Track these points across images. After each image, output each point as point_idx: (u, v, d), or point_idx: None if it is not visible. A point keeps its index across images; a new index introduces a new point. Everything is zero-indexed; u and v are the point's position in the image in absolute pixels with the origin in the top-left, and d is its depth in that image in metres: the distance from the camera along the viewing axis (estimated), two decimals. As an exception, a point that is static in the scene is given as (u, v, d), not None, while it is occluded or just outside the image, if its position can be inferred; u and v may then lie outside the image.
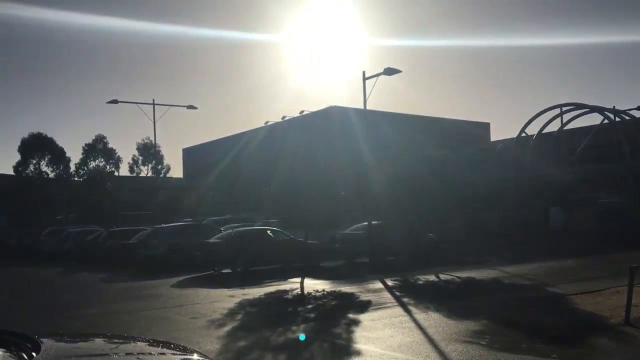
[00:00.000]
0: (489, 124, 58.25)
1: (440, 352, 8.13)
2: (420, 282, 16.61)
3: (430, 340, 8.84)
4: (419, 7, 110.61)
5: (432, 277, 17.30)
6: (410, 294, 14.00)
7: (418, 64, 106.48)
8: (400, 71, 24.92)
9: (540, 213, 30.20)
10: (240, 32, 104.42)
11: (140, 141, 67.38)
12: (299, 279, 17.76)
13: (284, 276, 18.57)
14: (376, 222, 23.66)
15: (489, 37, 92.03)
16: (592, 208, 27.73)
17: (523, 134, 35.19)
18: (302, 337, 9.56)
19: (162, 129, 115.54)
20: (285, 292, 15.32)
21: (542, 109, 34.16)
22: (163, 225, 25.71)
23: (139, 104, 35.54)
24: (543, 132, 34.20)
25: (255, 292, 15.18)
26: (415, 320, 10.54)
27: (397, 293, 14.31)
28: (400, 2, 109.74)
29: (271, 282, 17.40)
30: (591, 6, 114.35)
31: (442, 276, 17.50)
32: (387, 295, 14.01)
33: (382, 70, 24.64)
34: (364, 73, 25.28)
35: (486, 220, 30.84)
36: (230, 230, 22.51)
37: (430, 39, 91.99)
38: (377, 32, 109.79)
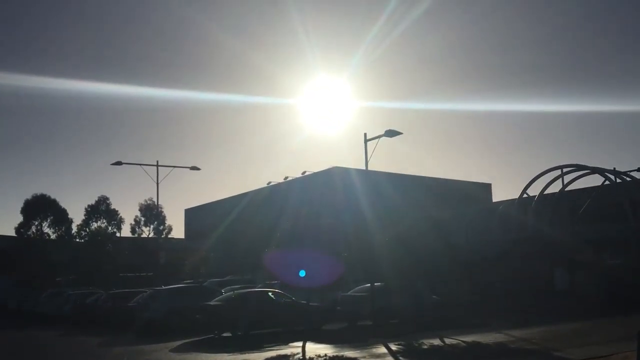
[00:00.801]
0: (490, 185, 58.62)
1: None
2: (425, 346, 16.28)
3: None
4: (420, 72, 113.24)
5: (437, 342, 16.97)
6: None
7: (419, 125, 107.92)
8: (401, 133, 25.21)
9: (544, 274, 29.90)
10: (242, 95, 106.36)
11: (142, 202, 67.69)
12: (300, 343, 17.43)
13: (286, 340, 18.24)
14: (379, 284, 23.41)
15: (490, 102, 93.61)
16: (596, 270, 27.47)
17: (525, 195, 35.26)
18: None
19: (165, 190, 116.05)
20: (287, 357, 15.01)
21: (543, 170, 34.45)
22: (163, 288, 25.46)
23: (142, 166, 35.83)
24: (544, 193, 34.29)
25: (256, 358, 14.88)
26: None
27: (402, 358, 14.01)
28: (401, 67, 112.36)
29: (272, 346, 17.06)
30: (590, 76, 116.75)
31: (447, 340, 17.16)
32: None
33: (383, 132, 24.94)
34: (365, 135, 25.58)
35: (490, 282, 30.50)
36: (231, 293, 22.26)
37: (431, 103, 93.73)
38: (378, 96, 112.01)
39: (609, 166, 35.60)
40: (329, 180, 44.47)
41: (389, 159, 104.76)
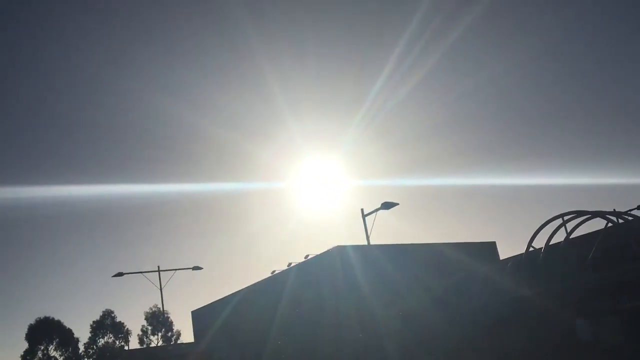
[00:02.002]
0: (494, 242, 57.93)
1: None
2: None
3: None
4: (411, 148, 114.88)
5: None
6: None
7: (414, 200, 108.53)
8: (397, 204, 25.27)
9: (565, 326, 28.96)
10: (235, 182, 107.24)
11: (148, 310, 66.52)
12: None
13: None
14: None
15: (485, 175, 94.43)
16: (619, 316, 26.60)
17: (531, 248, 34.78)
18: None
19: (170, 293, 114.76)
20: None
21: (544, 221, 34.12)
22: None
23: (144, 273, 35.39)
24: (550, 243, 33.84)
25: None
26: None
27: None
28: (389, 145, 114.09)
29: None
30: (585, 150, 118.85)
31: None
32: None
33: (379, 206, 24.92)
34: (362, 210, 25.59)
35: (514, 344, 29.45)
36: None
37: (423, 178, 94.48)
38: (370, 174, 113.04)
39: (608, 208, 35.38)
40: (332, 261, 43.85)
41: (389, 235, 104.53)
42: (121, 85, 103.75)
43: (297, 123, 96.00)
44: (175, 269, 36.59)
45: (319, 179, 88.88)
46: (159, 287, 34.97)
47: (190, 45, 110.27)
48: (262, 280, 52.87)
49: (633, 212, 33.60)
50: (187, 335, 70.61)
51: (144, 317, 66.61)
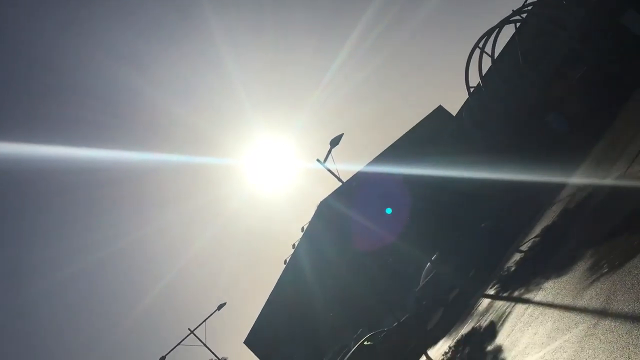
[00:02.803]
0: (441, 106, 58.65)
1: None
2: (512, 268, 15.98)
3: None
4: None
5: (517, 255, 16.71)
6: (511, 290, 13.39)
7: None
8: (342, 134, 25.30)
9: (538, 123, 29.88)
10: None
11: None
12: (423, 358, 17.04)
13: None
14: (434, 256, 23.13)
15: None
16: (578, 90, 27.52)
17: (471, 88, 35.47)
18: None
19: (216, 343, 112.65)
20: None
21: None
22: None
23: (182, 344, 35.06)
24: (484, 74, 34.60)
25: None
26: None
27: (504, 294, 13.71)
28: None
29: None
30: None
31: (523, 246, 16.91)
32: (499, 303, 13.36)
33: (329, 147, 24.98)
34: (318, 160, 25.62)
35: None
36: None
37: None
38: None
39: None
40: (324, 218, 44.12)
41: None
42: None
43: (250, 101, 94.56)
44: (204, 320, 36.21)
45: (269, 158, 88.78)
46: (203, 344, 34.68)
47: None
48: (280, 273, 53.01)
49: (529, 2, 34.27)
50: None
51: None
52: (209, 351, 35.59)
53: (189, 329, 35.04)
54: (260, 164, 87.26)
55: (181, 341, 35.09)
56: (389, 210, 37.81)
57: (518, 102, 30.99)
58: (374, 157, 45.47)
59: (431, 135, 45.30)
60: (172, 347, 35.29)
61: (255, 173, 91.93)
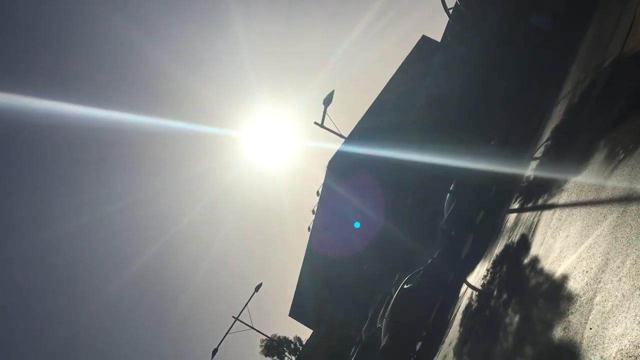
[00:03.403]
0: (423, 35, 57.64)
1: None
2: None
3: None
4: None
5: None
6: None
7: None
8: (333, 90, 25.03)
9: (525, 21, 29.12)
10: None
11: (259, 351, 67.07)
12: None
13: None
14: (452, 186, 22.98)
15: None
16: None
17: (450, 9, 34.55)
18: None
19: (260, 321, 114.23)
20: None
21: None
22: None
23: (230, 333, 35.50)
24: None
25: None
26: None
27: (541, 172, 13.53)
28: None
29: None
30: None
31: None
32: (526, 215, 13.21)
33: (323, 108, 24.74)
34: (315, 122, 25.39)
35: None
36: (384, 320, 21.68)
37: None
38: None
39: None
40: (340, 164, 43.86)
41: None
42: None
43: (255, 73, 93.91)
44: (246, 304, 36.62)
45: (270, 132, 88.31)
46: (250, 326, 35.18)
47: None
48: (309, 239, 53.18)
49: None
50: (304, 332, 71.75)
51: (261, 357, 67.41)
52: (258, 333, 36.04)
53: (233, 316, 35.46)
54: (264, 137, 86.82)
55: (229, 330, 35.59)
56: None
57: (499, 12, 30.15)
58: (369, 106, 44.92)
59: (421, 69, 44.63)
60: (221, 338, 35.79)
61: (259, 146, 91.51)
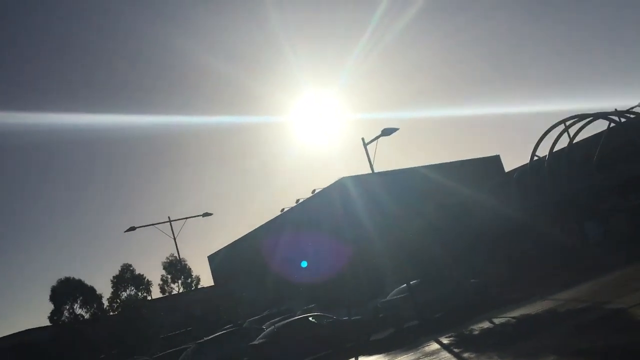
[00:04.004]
0: (499, 156, 58.12)
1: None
2: (476, 332, 15.98)
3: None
4: (411, 80, 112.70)
5: (487, 324, 16.68)
6: (470, 348, 13.42)
7: (416, 128, 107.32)
8: (397, 128, 25.13)
9: (574, 230, 29.49)
10: (234, 116, 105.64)
11: (165, 260, 67.74)
12: (353, 360, 17.19)
13: (338, 360, 18.00)
14: (415, 281, 23.13)
15: (484, 105, 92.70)
16: (626, 213, 27.03)
17: (535, 157, 34.92)
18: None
19: (184, 241, 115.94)
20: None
21: (546, 129, 34.15)
22: (205, 339, 25.26)
23: (155, 225, 35.79)
24: (554, 150, 33.93)
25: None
26: (481, 375, 10.03)
27: (456, 350, 13.73)
28: (392, 76, 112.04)
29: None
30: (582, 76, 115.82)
31: (497, 320, 16.86)
32: (446, 354, 13.44)
33: (380, 133, 24.88)
34: (363, 139, 25.54)
35: (523, 251, 30.11)
36: (272, 327, 22.03)
37: (424, 110, 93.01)
38: (371, 107, 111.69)
39: (609, 108, 35.21)
40: (342, 191, 44.25)
41: (393, 164, 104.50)
42: (119, 11, 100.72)
43: (294, 55, 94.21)
44: (186, 218, 36.82)
45: (318, 113, 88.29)
46: (172, 236, 35.39)
47: None
48: (273, 218, 53.56)
49: (635, 110, 33.48)
50: (206, 280, 72.37)
51: (162, 267, 68.00)
52: (174, 246, 36.18)
53: (168, 217, 35.64)
54: (310, 119, 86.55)
55: (157, 223, 35.76)
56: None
57: (570, 195, 30.36)
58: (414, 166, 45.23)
59: (475, 175, 44.96)
60: (149, 224, 35.99)
61: (305, 128, 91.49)
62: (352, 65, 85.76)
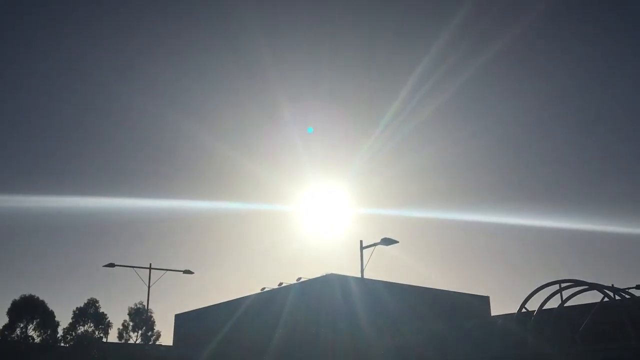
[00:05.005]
0: (488, 297, 57.63)
1: None
2: None
3: None
4: (417, 182, 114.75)
5: None
6: None
7: (416, 234, 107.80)
8: (397, 242, 25.29)
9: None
10: (238, 202, 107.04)
11: (132, 306, 66.28)
12: None
13: None
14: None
15: (487, 214, 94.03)
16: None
17: (523, 310, 34.64)
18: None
19: (156, 294, 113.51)
20: None
21: (541, 284, 34.01)
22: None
23: (135, 268, 35.43)
24: (543, 308, 33.69)
25: None
26: None
27: None
28: (398, 176, 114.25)
29: None
30: (589, 195, 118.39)
31: None
32: None
33: (379, 240, 25.00)
34: (361, 243, 25.64)
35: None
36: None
37: (428, 212, 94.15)
38: (375, 204, 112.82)
39: (607, 283, 35.24)
40: (325, 287, 43.71)
41: (386, 267, 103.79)
42: (128, 96, 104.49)
43: (305, 147, 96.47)
44: (167, 269, 36.52)
45: (323, 205, 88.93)
46: (147, 284, 34.94)
47: (202, 61, 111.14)
48: (252, 295, 52.76)
49: (631, 290, 33.52)
50: (166, 338, 70.52)
51: (127, 312, 66.43)
52: (146, 294, 35.74)
53: (150, 264, 35.42)
54: (314, 211, 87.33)
55: (137, 267, 35.48)
56: None
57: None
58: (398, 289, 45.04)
59: (460, 311, 44.49)
60: (125, 265, 35.71)
61: (309, 220, 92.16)
62: (361, 161, 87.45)
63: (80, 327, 63.08)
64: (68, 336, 62.28)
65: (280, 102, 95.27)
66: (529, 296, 34.62)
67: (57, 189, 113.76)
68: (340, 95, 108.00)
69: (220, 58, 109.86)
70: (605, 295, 32.73)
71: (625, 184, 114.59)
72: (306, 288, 44.51)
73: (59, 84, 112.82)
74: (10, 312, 59.11)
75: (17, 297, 60.18)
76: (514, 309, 36.13)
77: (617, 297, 32.54)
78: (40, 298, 61.10)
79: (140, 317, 64.44)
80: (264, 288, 50.60)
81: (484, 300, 55.59)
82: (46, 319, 60.48)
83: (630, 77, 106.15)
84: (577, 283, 33.28)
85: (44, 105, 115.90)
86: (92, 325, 63.45)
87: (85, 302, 63.95)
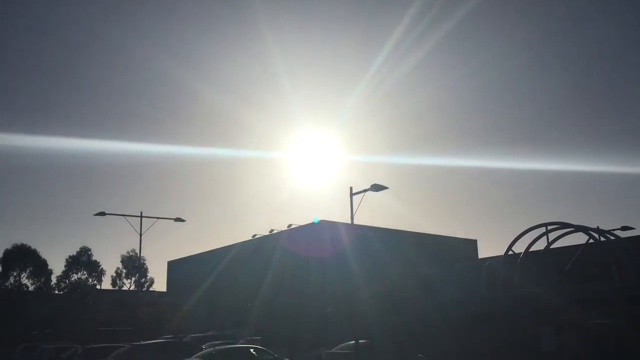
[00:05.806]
0: (476, 240, 58.53)
1: None
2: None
3: None
4: (407, 127, 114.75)
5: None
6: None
7: (405, 180, 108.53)
8: (387, 187, 25.26)
9: (531, 334, 29.49)
10: (230, 149, 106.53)
11: (125, 254, 66.79)
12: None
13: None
14: (364, 341, 22.92)
15: (476, 158, 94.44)
16: (584, 330, 27.12)
17: (510, 252, 35.19)
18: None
19: (148, 241, 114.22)
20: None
21: (528, 227, 34.46)
22: (141, 343, 24.70)
23: (126, 217, 35.42)
24: (530, 250, 34.24)
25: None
26: None
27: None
28: (389, 121, 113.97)
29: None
30: (579, 136, 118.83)
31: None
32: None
33: (369, 187, 24.98)
34: (351, 189, 25.59)
35: (477, 342, 30.00)
36: (211, 349, 21.63)
37: (417, 157, 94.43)
38: (365, 150, 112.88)
39: (592, 225, 35.73)
40: (315, 233, 44.15)
41: (375, 213, 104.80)
42: (120, 41, 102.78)
43: (295, 92, 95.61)
44: (158, 217, 36.54)
45: (313, 152, 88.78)
46: (139, 232, 35.01)
47: (191, 6, 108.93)
48: (243, 242, 53.23)
49: (616, 232, 34.03)
50: (159, 285, 71.39)
51: (119, 259, 67.00)
52: (138, 242, 35.84)
53: (141, 212, 35.39)
54: (304, 157, 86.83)
55: (128, 215, 35.47)
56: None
57: (534, 298, 30.55)
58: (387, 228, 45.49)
59: (449, 253, 45.14)
60: (119, 214, 35.68)
61: (298, 166, 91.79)
62: (351, 106, 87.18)
63: (74, 274, 63.57)
64: (62, 284, 62.83)
65: (269, 47, 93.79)
66: (516, 239, 35.10)
67: (43, 129, 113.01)
68: (330, 38, 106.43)
69: (210, 3, 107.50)
70: (591, 237, 33.23)
71: (610, 124, 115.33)
72: (296, 234, 44.90)
73: (51, 26, 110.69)
74: (2, 261, 59.33)
75: (8, 246, 60.33)
76: (501, 251, 36.79)
77: (602, 239, 33.05)
78: (32, 247, 61.27)
79: (133, 264, 65.02)
80: (255, 235, 51.06)
81: (472, 244, 56.50)
82: (39, 267, 60.77)
83: (612, 15, 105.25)
84: (563, 225, 33.72)
85: (35, 44, 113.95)
86: (85, 273, 63.95)
87: (78, 250, 64.26)
